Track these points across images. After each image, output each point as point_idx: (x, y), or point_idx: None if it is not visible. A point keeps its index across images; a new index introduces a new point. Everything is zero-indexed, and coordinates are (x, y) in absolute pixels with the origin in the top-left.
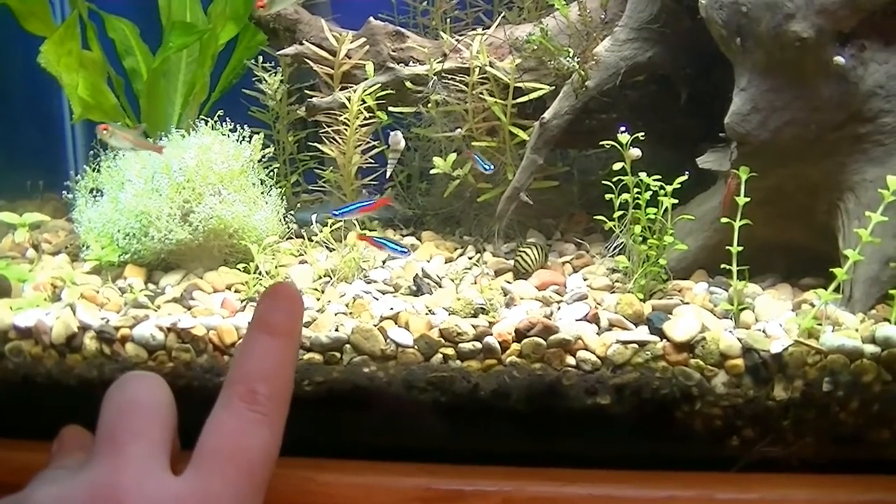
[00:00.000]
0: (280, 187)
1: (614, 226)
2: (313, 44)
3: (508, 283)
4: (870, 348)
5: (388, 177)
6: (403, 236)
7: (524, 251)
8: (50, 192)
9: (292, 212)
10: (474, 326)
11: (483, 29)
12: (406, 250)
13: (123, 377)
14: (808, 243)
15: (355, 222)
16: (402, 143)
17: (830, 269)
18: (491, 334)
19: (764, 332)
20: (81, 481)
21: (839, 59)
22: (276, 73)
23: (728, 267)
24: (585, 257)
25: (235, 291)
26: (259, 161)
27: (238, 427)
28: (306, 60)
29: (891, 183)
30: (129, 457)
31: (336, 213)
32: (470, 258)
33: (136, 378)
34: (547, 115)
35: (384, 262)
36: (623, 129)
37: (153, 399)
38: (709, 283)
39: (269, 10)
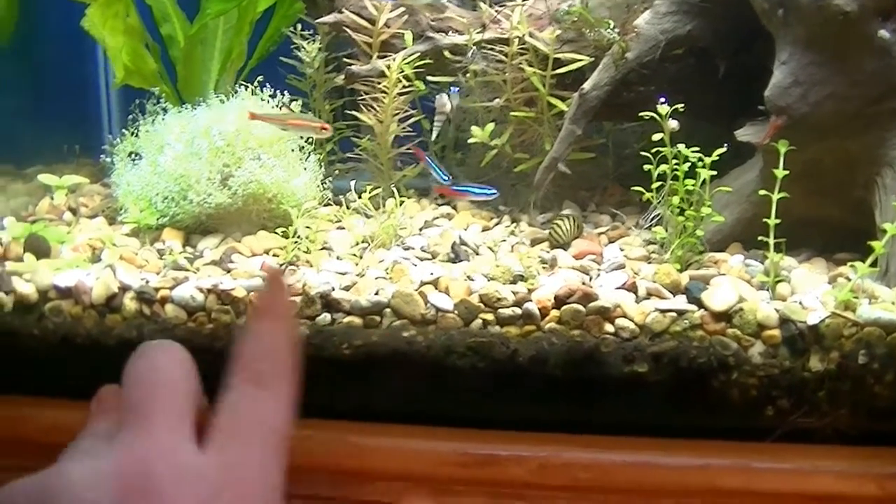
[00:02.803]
0: (318, 154)
1: (652, 197)
2: (352, 12)
3: (547, 251)
4: None
5: (433, 138)
6: (439, 205)
7: (558, 223)
8: (85, 156)
9: (329, 179)
10: (514, 293)
11: (523, 0)
12: (493, 191)
13: (142, 347)
14: (845, 218)
15: (394, 189)
16: (449, 106)
17: (867, 243)
18: (531, 300)
19: (801, 303)
20: (110, 455)
21: (883, 34)
22: (314, 41)
23: (765, 239)
24: (621, 228)
25: (274, 255)
26: None
27: (249, 405)
28: (345, 29)
29: None
30: (154, 430)
31: (442, 178)
32: (506, 227)
33: (155, 348)
34: (586, 86)
35: (421, 230)
36: (662, 100)
37: (173, 370)
38: (744, 256)
39: None
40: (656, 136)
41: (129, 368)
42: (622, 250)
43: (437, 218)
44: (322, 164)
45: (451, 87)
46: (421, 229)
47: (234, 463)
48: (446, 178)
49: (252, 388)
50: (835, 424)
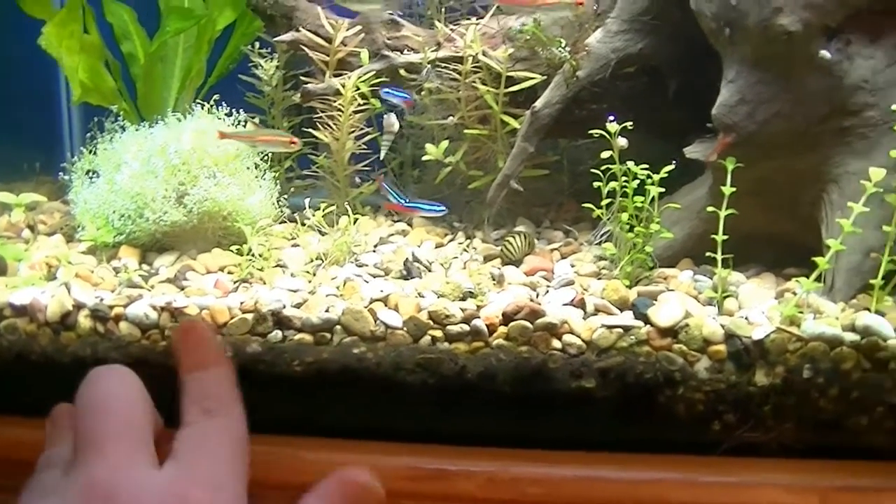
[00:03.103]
0: (274, 172)
1: (602, 213)
2: (309, 31)
3: (497, 268)
4: (850, 336)
5: (381, 158)
6: (394, 222)
7: (509, 239)
8: (46, 174)
9: (285, 196)
10: (462, 309)
11: (477, 19)
12: (442, 208)
13: (91, 374)
14: (793, 234)
15: (348, 206)
16: (396, 126)
17: (813, 259)
18: (479, 317)
19: (746, 319)
20: (72, 489)
21: (825, 54)
22: (272, 59)
23: (713, 255)
24: (573, 245)
25: (228, 273)
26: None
27: (206, 430)
28: (302, 47)
29: (873, 175)
30: (113, 456)
31: (399, 200)
32: (460, 244)
33: (104, 374)
34: (538, 104)
35: (375, 247)
36: (611, 118)
37: (125, 394)
38: (694, 272)
39: None
40: (606, 154)
41: (81, 396)
42: (573, 266)
43: (392, 235)
44: (278, 181)
45: (385, 90)
46: (375, 246)
47: (195, 473)
48: (403, 200)
49: (204, 419)
50: (780, 438)
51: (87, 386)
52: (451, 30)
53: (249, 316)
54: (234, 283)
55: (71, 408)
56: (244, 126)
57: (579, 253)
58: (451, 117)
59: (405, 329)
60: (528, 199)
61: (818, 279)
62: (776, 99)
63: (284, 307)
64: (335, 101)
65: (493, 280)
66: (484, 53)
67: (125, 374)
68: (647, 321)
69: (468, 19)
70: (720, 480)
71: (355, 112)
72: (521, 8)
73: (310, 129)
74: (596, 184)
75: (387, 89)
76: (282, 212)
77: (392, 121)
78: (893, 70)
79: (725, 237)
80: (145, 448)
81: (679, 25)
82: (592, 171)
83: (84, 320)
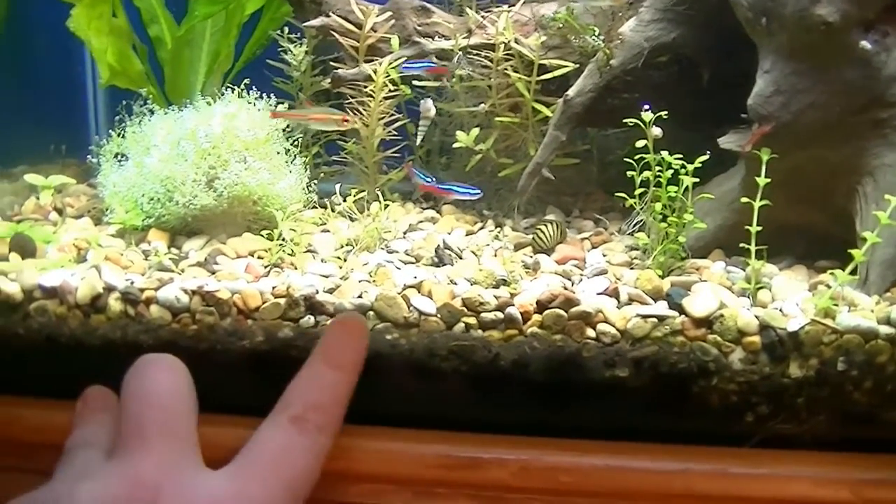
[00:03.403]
0: (303, 157)
1: (635, 203)
2: (339, 16)
3: (530, 256)
4: (885, 329)
5: (418, 143)
6: (423, 209)
7: (541, 228)
8: (71, 156)
9: (315, 182)
10: (496, 297)
11: (509, 6)
12: (477, 191)
13: (140, 362)
14: (826, 226)
15: (378, 192)
16: (433, 111)
17: (847, 251)
18: (513, 305)
19: (780, 310)
20: (118, 478)
21: (865, 44)
22: (301, 44)
23: (746, 246)
24: (604, 234)
25: (258, 258)
26: (283, 131)
27: (285, 445)
28: (332, 32)
29: None
30: (161, 454)
31: (403, 68)
32: (490, 232)
33: (154, 364)
34: (571, 92)
35: (405, 234)
36: (646, 107)
37: (175, 388)
38: (726, 263)
39: None
40: (639, 143)
41: (129, 386)
42: (605, 256)
43: (422, 222)
44: (308, 167)
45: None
46: (405, 233)
47: (249, 496)
48: (435, 182)
49: (294, 431)
50: (813, 431)
51: (136, 374)
52: (483, 17)
53: (282, 301)
54: (265, 267)
55: (103, 390)
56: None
57: (610, 242)
58: (482, 105)
59: (439, 316)
60: (557, 188)
61: (852, 272)
62: (812, 90)
63: (317, 292)
64: (366, 87)
65: (527, 268)
66: (516, 41)
67: (175, 365)
68: (681, 311)
69: (499, 6)
70: (751, 472)
71: (385, 98)
72: None
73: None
74: (629, 173)
75: (406, 64)
76: (311, 198)
77: (429, 106)
78: None
79: (758, 228)
80: (193, 446)
81: (713, 14)
82: (626, 160)
83: (114, 303)
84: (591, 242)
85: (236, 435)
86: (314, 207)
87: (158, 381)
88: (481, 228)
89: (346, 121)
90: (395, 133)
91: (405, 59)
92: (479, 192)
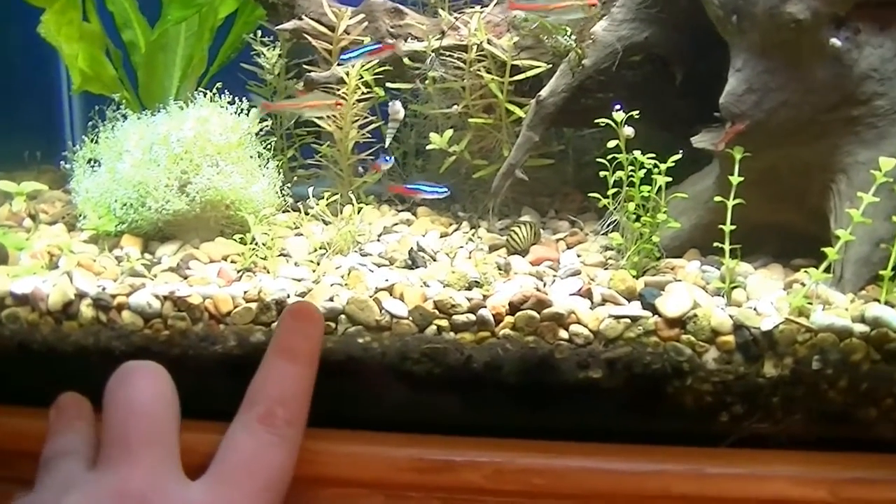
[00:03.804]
0: (277, 161)
1: (608, 203)
2: (312, 19)
3: (503, 258)
4: (859, 327)
5: (386, 146)
6: (398, 211)
7: (515, 229)
8: (47, 162)
9: (288, 185)
10: (468, 299)
11: (481, 7)
12: (444, 189)
13: (124, 370)
14: (801, 224)
15: (352, 195)
16: (402, 113)
17: (822, 250)
18: (485, 307)
19: (755, 309)
20: (104, 489)
21: (835, 42)
22: (274, 47)
23: (720, 245)
24: (579, 235)
25: (231, 262)
26: (256, 134)
27: (257, 446)
28: (305, 36)
29: (883, 165)
30: (147, 464)
31: (344, 58)
32: (465, 233)
33: (137, 372)
34: (543, 92)
35: (379, 237)
36: (618, 107)
37: (159, 397)
38: (701, 262)
39: None
40: (612, 143)
41: (112, 395)
42: (579, 256)
43: (397, 224)
44: (281, 170)
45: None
46: (379, 235)
47: (231, 497)
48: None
49: (263, 430)
50: (789, 430)
51: (119, 382)
52: (456, 18)
53: (253, 305)
54: (238, 272)
55: (77, 397)
56: (247, 115)
57: (585, 243)
58: (455, 106)
59: (410, 319)
60: (532, 189)
61: (827, 270)
62: (784, 88)
63: (289, 296)
64: (338, 90)
65: (500, 269)
66: (488, 42)
67: (158, 372)
68: (654, 311)
69: (472, 7)
70: (727, 472)
71: (359, 101)
72: (534, 12)
73: (313, 118)
74: (602, 173)
75: (344, 54)
76: (285, 201)
77: (397, 108)
78: None
79: (733, 227)
80: (175, 456)
81: (685, 14)
82: (598, 160)
83: (86, 309)
84: (567, 243)
85: (210, 440)
86: (287, 211)
87: (142, 390)
88: (456, 230)
89: (340, 104)
90: (370, 136)
91: (377, 62)
92: (446, 190)
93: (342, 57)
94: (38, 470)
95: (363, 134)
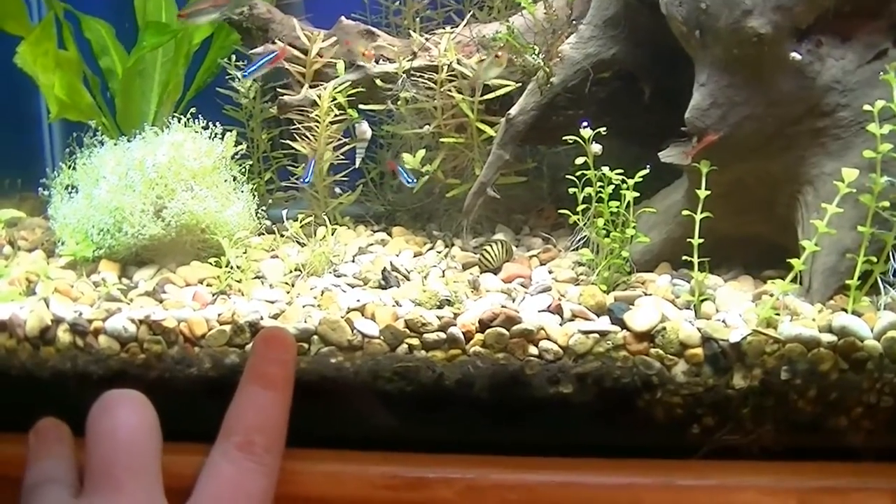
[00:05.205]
0: (253, 184)
1: (578, 219)
2: (285, 43)
3: (476, 276)
4: (827, 337)
5: (356, 167)
6: (374, 231)
7: (487, 248)
8: (28, 190)
9: (264, 208)
10: (439, 317)
11: (453, 28)
12: (414, 180)
13: (106, 399)
14: (770, 236)
15: (326, 217)
16: (369, 133)
17: (789, 261)
18: (455, 325)
19: (723, 322)
20: None
21: (795, 56)
22: None
23: (690, 259)
24: (552, 251)
25: (207, 285)
26: (233, 158)
27: (237, 474)
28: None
29: (846, 175)
30: (132, 493)
31: (246, 73)
32: (439, 252)
33: (120, 402)
34: (513, 111)
35: (354, 257)
36: (585, 124)
37: (142, 427)
38: (672, 276)
39: (190, 20)
40: (580, 160)
41: (96, 425)
42: (551, 273)
43: (372, 245)
44: (257, 193)
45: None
46: (354, 256)
47: None
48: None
49: (242, 458)
50: (760, 441)
51: (103, 413)
52: (427, 39)
53: (227, 327)
54: (213, 295)
55: (56, 422)
56: (222, 139)
57: (558, 259)
58: (427, 126)
59: (382, 338)
60: (508, 206)
61: (795, 281)
62: (748, 101)
63: (262, 318)
64: (312, 113)
65: (472, 287)
66: (458, 62)
67: (141, 402)
68: (623, 326)
69: (444, 28)
70: (698, 484)
71: (332, 123)
72: None
73: (288, 141)
74: (571, 190)
75: (247, 70)
76: (261, 224)
77: (364, 128)
78: (865, 70)
79: (702, 240)
80: (158, 484)
81: (652, 30)
82: (566, 176)
83: (63, 335)
84: (540, 259)
85: (188, 462)
86: (262, 234)
87: (125, 420)
88: (430, 249)
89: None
90: (344, 157)
91: (350, 84)
92: (414, 180)
93: (244, 73)
94: (21, 497)
95: (338, 156)
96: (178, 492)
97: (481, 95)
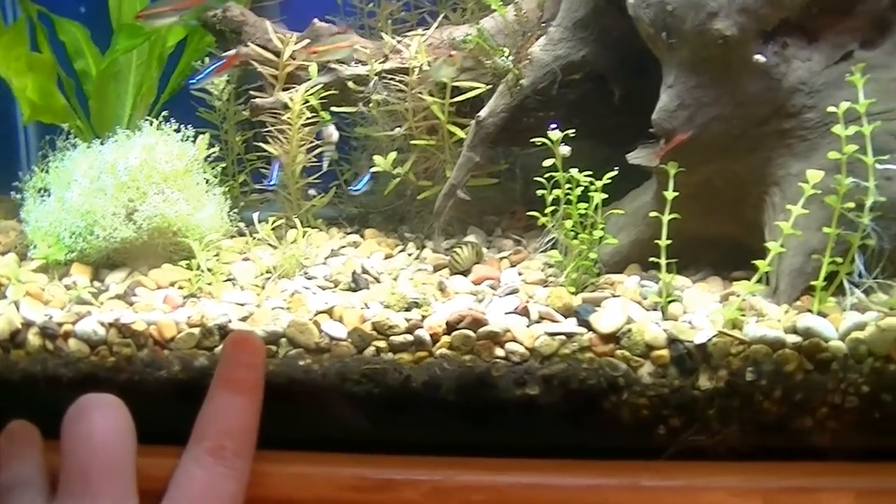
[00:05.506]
0: (227, 186)
1: (547, 221)
2: (259, 45)
3: (446, 278)
4: (792, 338)
5: (324, 170)
6: (347, 233)
7: (457, 250)
8: (3, 192)
9: (237, 210)
10: (407, 319)
11: (424, 30)
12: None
13: (81, 404)
14: (738, 237)
15: (297, 219)
16: (336, 136)
17: (753, 262)
18: (422, 327)
19: (690, 323)
20: None
21: (759, 58)
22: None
23: (656, 260)
24: (523, 253)
25: (179, 288)
26: (206, 160)
27: (208, 478)
28: (251, 62)
29: (811, 177)
30: (107, 497)
31: (193, 81)
32: (409, 255)
33: (95, 406)
34: (482, 113)
35: (325, 260)
36: (553, 126)
37: (117, 431)
38: (641, 277)
39: (147, 21)
40: (548, 162)
41: (72, 430)
42: (521, 274)
43: (344, 247)
44: (230, 196)
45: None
46: (326, 258)
47: None
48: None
49: (213, 462)
50: (726, 441)
51: (78, 417)
52: (398, 41)
53: (196, 330)
54: (184, 297)
55: (27, 425)
56: (194, 141)
57: (528, 261)
58: (398, 128)
59: (349, 340)
60: (480, 208)
61: (761, 282)
62: (715, 103)
63: (230, 321)
64: (284, 115)
65: (441, 289)
66: (429, 64)
67: (115, 405)
68: (589, 327)
69: (415, 30)
70: (664, 485)
71: (304, 125)
72: None
73: (261, 144)
74: (540, 192)
75: (197, 77)
76: (234, 226)
77: (330, 131)
78: (831, 71)
79: (670, 241)
80: (133, 488)
81: (620, 32)
82: (535, 178)
83: (33, 338)
84: (510, 261)
85: (160, 464)
86: (234, 236)
87: (100, 424)
88: (401, 251)
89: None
90: (317, 160)
91: (322, 86)
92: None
93: (191, 81)
94: None
95: (310, 158)
96: (149, 494)
97: (452, 98)
